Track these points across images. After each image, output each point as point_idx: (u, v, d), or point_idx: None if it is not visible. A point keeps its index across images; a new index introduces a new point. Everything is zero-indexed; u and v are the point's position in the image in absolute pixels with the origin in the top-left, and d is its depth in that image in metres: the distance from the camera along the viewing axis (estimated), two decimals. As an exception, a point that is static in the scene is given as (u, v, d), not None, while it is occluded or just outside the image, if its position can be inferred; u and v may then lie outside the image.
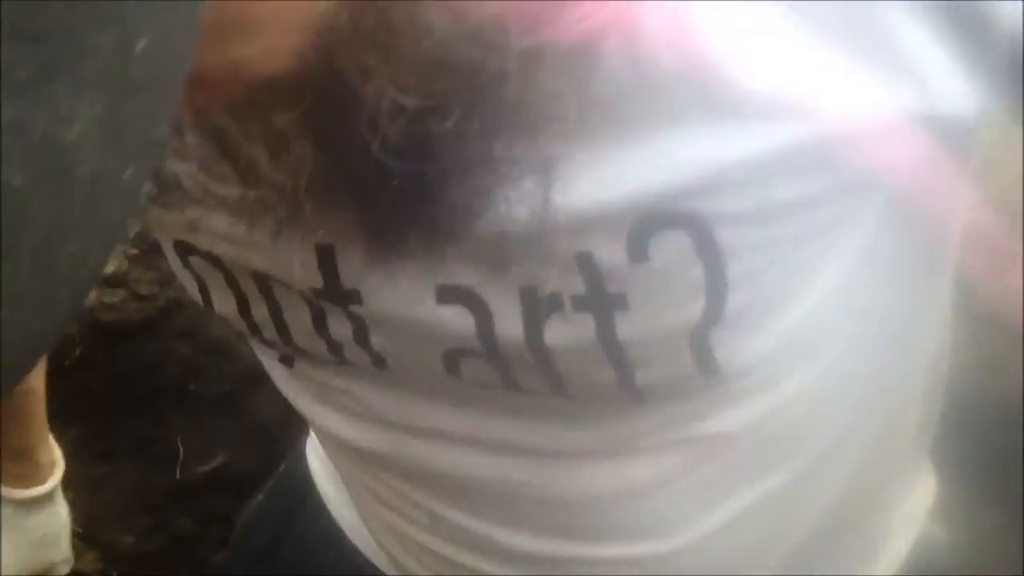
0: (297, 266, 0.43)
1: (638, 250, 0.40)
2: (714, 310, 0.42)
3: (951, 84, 0.38)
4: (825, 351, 0.48)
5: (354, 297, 0.45)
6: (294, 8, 0.31)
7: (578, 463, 0.50)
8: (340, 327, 0.47)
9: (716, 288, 0.41)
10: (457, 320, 0.44)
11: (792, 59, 0.37)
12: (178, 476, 1.20)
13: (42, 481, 1.02)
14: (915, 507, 0.63)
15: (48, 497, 1.03)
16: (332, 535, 0.70)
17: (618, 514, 0.51)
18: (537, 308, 0.43)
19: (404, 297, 0.43)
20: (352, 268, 0.43)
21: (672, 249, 0.40)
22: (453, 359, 0.46)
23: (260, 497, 0.82)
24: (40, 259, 0.20)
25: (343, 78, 0.32)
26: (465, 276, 0.43)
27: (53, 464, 1.03)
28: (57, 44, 0.19)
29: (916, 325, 0.53)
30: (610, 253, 0.41)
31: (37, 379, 0.99)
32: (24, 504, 1.01)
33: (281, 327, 0.49)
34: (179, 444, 1.19)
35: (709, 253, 0.41)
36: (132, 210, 0.22)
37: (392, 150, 0.34)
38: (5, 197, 0.19)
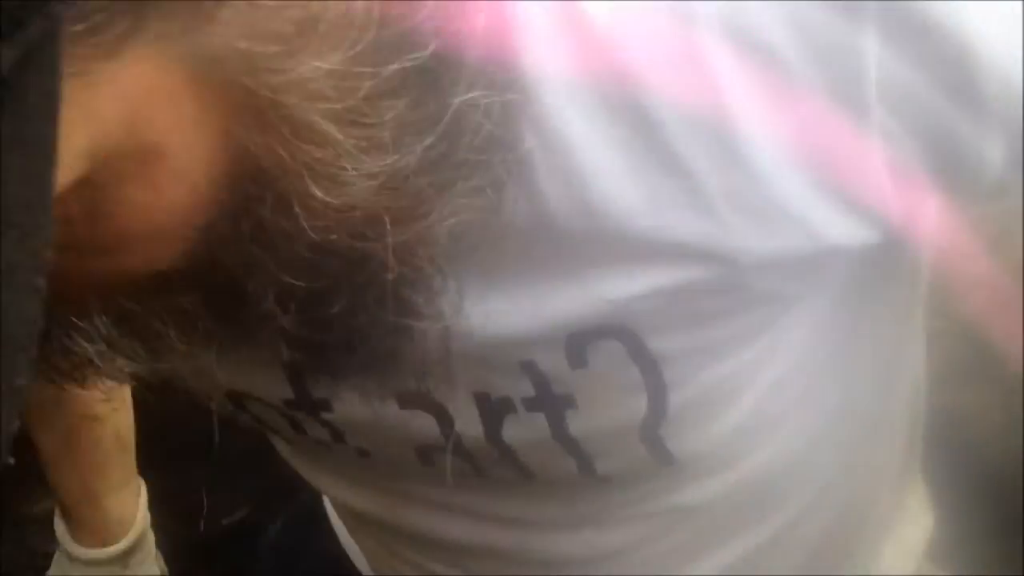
0: (266, 382, 0.46)
1: (577, 357, 0.43)
2: (657, 408, 0.44)
3: (832, 225, 0.39)
4: (787, 427, 0.49)
5: (324, 405, 0.47)
6: (170, 222, 0.32)
7: (554, 532, 0.53)
8: (317, 430, 0.49)
9: (656, 389, 0.43)
10: (420, 422, 0.46)
11: (683, 209, 0.39)
12: (202, 529, 1.24)
13: (113, 539, 0.87)
14: (907, 546, 0.64)
15: (119, 560, 0.88)
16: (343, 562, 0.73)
17: (596, 573, 0.54)
18: (492, 410, 0.45)
19: (369, 403, 0.45)
20: (320, 380, 0.44)
21: (608, 355, 0.42)
22: (426, 453, 0.48)
23: (277, 525, 0.86)
24: None
25: (230, 272, 0.34)
26: (422, 382, 0.44)
27: (129, 521, 0.88)
28: None
29: (889, 379, 0.55)
30: (551, 361, 0.43)
31: (102, 406, 0.83)
32: (92, 564, 0.87)
33: (266, 426, 0.51)
34: (203, 497, 1.24)
35: (642, 358, 0.42)
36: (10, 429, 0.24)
37: (291, 327, 0.36)
38: None
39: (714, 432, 0.46)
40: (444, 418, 0.46)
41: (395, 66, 0.32)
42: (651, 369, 0.43)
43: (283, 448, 0.59)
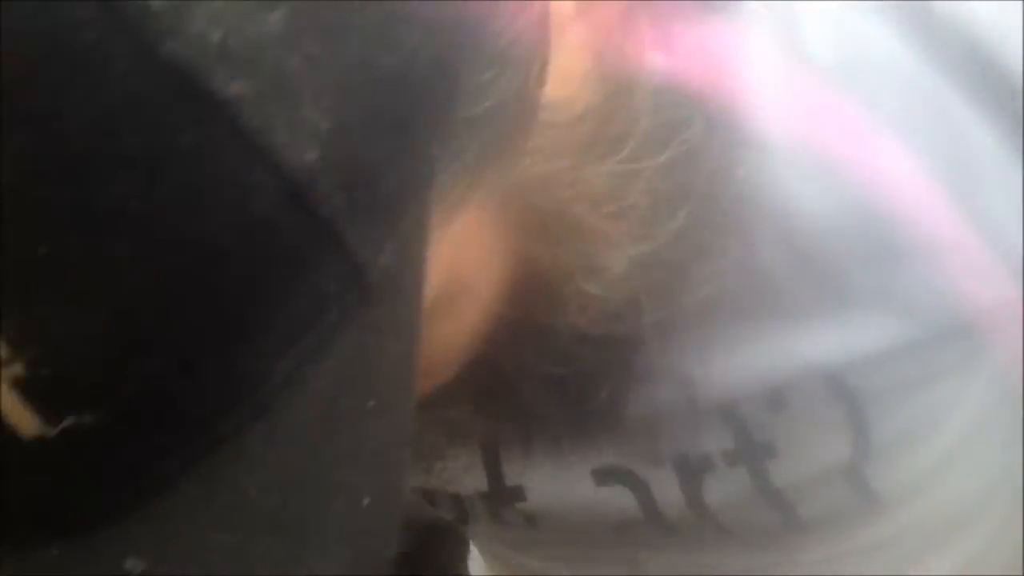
0: (462, 473, 0.46)
1: (778, 400, 0.43)
2: (861, 446, 0.44)
3: None
4: (985, 451, 0.49)
5: (518, 494, 0.47)
6: (465, 344, 0.34)
7: None
8: (511, 517, 0.49)
9: (859, 425, 0.43)
10: (617, 499, 0.46)
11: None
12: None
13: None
14: None
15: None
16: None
17: None
18: (691, 473, 0.45)
19: (565, 486, 0.45)
20: (514, 466, 0.45)
21: (809, 396, 0.43)
22: (621, 527, 0.48)
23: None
24: None
25: (501, 371, 0.36)
26: (618, 456, 0.45)
27: None
28: (304, 527, 0.23)
29: None
30: (752, 407, 0.43)
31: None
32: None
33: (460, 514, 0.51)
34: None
35: (844, 396, 0.43)
36: None
37: (557, 415, 0.37)
38: None
39: (916, 465, 0.46)
40: (642, 490, 0.46)
41: (668, 152, 0.33)
42: (854, 406, 0.43)
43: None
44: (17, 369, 0.21)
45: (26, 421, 0.21)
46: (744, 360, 0.42)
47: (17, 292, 0.20)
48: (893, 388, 0.43)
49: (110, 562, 0.22)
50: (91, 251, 0.20)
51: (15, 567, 0.23)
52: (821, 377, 0.42)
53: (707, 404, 0.43)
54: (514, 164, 0.29)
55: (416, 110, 0.22)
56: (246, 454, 0.22)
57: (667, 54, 0.34)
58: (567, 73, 0.31)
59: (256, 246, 0.21)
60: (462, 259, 0.30)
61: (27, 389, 0.21)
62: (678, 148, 0.33)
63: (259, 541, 0.23)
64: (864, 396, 0.43)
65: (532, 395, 0.36)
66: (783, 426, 0.44)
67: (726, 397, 0.43)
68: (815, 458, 0.45)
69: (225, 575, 0.23)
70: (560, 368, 0.36)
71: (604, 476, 0.46)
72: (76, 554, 0.23)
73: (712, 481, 0.46)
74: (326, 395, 0.23)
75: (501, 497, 0.47)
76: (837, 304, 0.41)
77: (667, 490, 0.46)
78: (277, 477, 0.23)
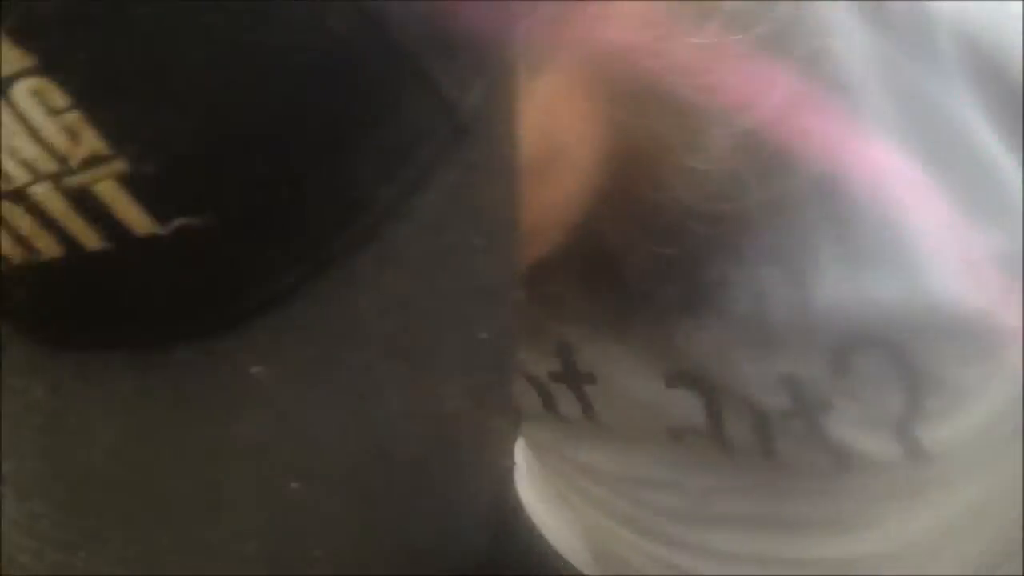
0: (533, 356, 0.47)
1: (841, 365, 0.43)
2: (912, 409, 0.44)
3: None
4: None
5: (589, 379, 0.48)
6: (564, 213, 0.35)
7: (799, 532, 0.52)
8: (568, 406, 0.50)
9: (913, 390, 0.44)
10: (685, 402, 0.47)
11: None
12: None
13: None
14: None
15: None
16: (544, 551, 0.72)
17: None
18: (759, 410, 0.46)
19: (636, 379, 0.46)
20: (589, 354, 0.46)
21: (871, 365, 0.43)
22: (677, 433, 0.49)
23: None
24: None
25: (607, 246, 0.37)
26: (694, 364, 0.45)
27: None
28: (424, 355, 0.25)
29: None
30: (813, 370, 0.43)
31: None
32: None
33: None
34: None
35: (904, 367, 0.43)
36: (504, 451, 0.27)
37: (655, 287, 0.38)
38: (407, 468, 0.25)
39: (963, 427, 0.46)
40: (714, 402, 0.46)
41: (757, 28, 0.33)
42: (910, 375, 0.43)
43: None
44: (119, 165, 0.22)
45: (137, 218, 0.22)
46: (844, 288, 0.41)
47: (108, 90, 0.21)
48: (948, 360, 0.43)
49: (237, 367, 0.23)
50: (173, 54, 0.21)
51: (141, 371, 0.24)
52: (882, 344, 0.42)
53: (768, 360, 0.43)
54: (598, 28, 0.30)
55: None
56: (359, 278, 0.24)
57: None
58: None
59: (337, 67, 0.22)
60: (554, 123, 0.31)
61: (133, 186, 0.22)
62: (767, 25, 0.33)
63: (383, 364, 0.25)
64: (921, 368, 0.43)
65: (637, 273, 0.37)
66: (841, 388, 0.44)
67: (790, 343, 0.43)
68: (868, 416, 0.45)
69: (356, 393, 0.25)
70: (667, 247, 0.36)
71: (676, 378, 0.46)
72: (202, 358, 0.24)
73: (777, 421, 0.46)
74: (432, 227, 0.25)
75: (571, 379, 0.48)
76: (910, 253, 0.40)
77: (737, 409, 0.46)
78: (392, 303, 0.25)
